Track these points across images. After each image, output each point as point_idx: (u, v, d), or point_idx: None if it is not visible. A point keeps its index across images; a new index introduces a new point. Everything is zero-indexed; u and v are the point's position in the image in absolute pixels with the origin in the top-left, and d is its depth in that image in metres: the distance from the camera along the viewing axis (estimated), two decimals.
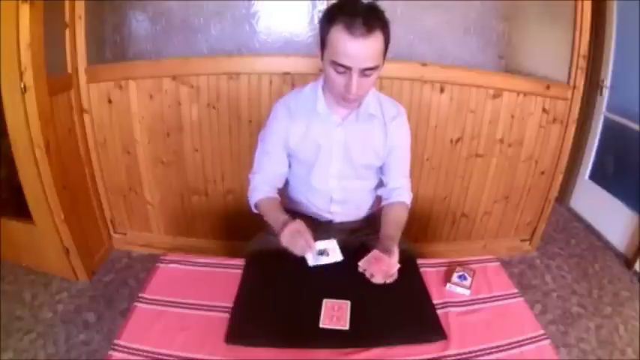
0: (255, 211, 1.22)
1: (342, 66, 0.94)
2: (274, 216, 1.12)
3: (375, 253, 0.99)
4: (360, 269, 0.97)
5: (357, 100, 1.06)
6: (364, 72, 0.95)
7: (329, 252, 1.03)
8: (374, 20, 0.91)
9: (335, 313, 0.92)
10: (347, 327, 0.89)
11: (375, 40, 0.92)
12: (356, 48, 0.91)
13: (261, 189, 1.21)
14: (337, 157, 1.16)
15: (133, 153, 1.92)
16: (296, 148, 1.17)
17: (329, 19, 0.94)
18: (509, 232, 2.25)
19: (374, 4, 0.94)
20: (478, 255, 1.21)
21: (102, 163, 1.96)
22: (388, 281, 0.96)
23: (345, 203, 1.25)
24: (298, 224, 1.02)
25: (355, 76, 0.95)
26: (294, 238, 1.00)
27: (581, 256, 2.34)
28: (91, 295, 1.83)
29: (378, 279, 0.95)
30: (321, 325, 0.89)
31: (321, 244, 1.04)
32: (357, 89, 0.97)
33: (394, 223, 1.14)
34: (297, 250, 1.01)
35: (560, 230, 2.60)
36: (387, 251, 0.98)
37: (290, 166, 1.24)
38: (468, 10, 1.83)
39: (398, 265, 0.97)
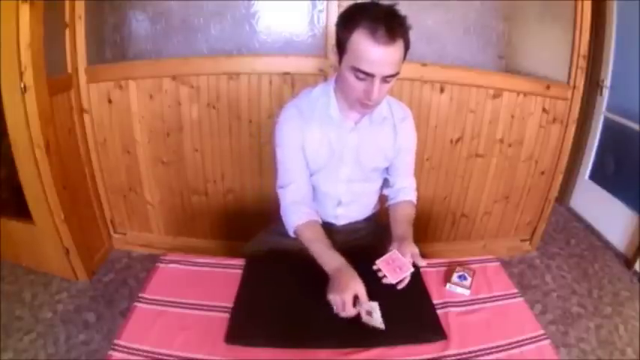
0: (293, 236, 1.12)
1: (364, 72, 0.92)
2: (323, 254, 1.01)
3: (393, 253, 0.98)
4: (375, 267, 0.96)
5: (374, 106, 1.04)
6: (385, 79, 0.94)
7: (372, 313, 0.92)
8: (397, 27, 0.89)
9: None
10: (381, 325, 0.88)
11: (398, 47, 0.91)
12: (379, 55, 0.89)
13: (301, 210, 1.11)
14: (348, 161, 1.15)
15: (133, 153, 1.92)
16: (311, 153, 1.13)
17: (349, 23, 0.91)
18: (509, 232, 2.25)
19: (394, 9, 0.92)
20: (478, 255, 1.21)
21: (102, 163, 1.96)
22: (400, 286, 0.95)
23: (350, 205, 1.25)
24: (356, 285, 0.90)
25: (377, 83, 0.93)
26: (348, 304, 0.89)
27: (581, 256, 2.34)
28: (91, 295, 1.82)
29: (390, 280, 0.95)
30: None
31: (366, 306, 0.92)
32: (377, 96, 0.96)
33: (405, 222, 1.14)
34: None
35: (560, 230, 2.60)
36: (404, 252, 0.98)
37: None
38: (468, 10, 1.83)
39: (412, 269, 0.96)
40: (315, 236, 1.07)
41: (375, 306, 0.90)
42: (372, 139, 1.13)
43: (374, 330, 0.88)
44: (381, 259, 0.97)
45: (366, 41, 0.89)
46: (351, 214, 1.27)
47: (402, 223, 1.13)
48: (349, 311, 0.88)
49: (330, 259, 0.99)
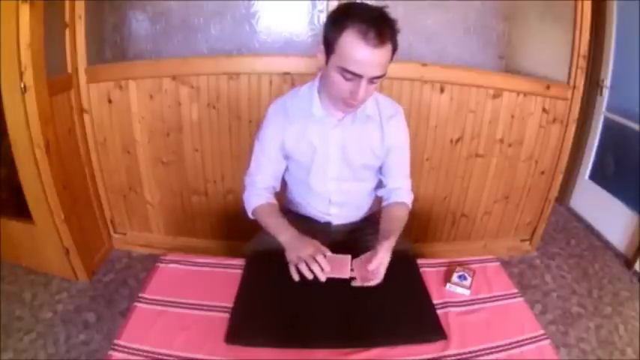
0: (251, 217, 1.21)
1: (352, 73, 0.93)
2: (278, 226, 1.10)
3: (367, 255, 0.98)
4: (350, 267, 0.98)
5: (359, 106, 1.06)
6: (372, 80, 0.95)
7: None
8: (387, 30, 0.90)
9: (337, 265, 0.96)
10: (347, 276, 0.95)
11: (387, 50, 0.92)
12: (369, 57, 0.90)
13: (260, 194, 1.19)
14: (335, 158, 1.15)
15: (133, 153, 1.92)
16: (292, 150, 1.16)
17: (339, 23, 0.91)
18: (509, 232, 2.25)
19: (385, 11, 0.93)
20: (478, 255, 1.21)
21: (102, 163, 1.96)
22: (366, 284, 0.95)
23: (343, 206, 1.25)
24: (314, 244, 1.00)
25: (364, 84, 0.94)
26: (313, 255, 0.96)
27: (581, 256, 2.34)
28: (91, 295, 1.83)
29: (356, 282, 0.96)
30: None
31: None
32: (363, 96, 0.97)
33: (393, 220, 1.14)
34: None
35: (560, 230, 2.60)
36: (377, 251, 0.97)
37: (288, 168, 1.23)
38: (468, 10, 1.83)
39: (346, 276, 0.96)
40: (272, 212, 1.15)
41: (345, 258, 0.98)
42: (357, 136, 1.14)
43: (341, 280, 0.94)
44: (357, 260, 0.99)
45: (356, 42, 0.89)
46: (345, 214, 1.27)
47: (388, 221, 1.13)
48: (320, 261, 0.94)
49: (285, 230, 1.07)
